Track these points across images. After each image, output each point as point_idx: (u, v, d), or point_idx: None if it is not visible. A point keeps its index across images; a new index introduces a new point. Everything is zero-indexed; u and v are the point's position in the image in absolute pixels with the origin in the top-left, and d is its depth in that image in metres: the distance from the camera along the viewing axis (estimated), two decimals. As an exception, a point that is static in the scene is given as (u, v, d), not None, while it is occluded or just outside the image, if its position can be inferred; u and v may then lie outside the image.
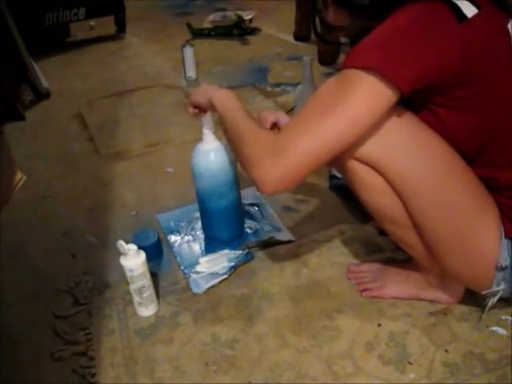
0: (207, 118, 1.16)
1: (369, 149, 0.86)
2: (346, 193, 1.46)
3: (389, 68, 0.76)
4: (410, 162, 0.86)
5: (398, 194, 0.89)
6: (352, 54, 0.80)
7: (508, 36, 0.83)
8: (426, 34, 0.77)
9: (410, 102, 0.86)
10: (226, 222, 1.30)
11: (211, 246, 1.30)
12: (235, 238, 1.31)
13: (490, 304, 0.96)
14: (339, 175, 1.47)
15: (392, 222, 0.95)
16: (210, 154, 1.19)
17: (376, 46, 0.78)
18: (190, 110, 1.14)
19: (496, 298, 0.95)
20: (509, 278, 0.90)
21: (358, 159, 0.89)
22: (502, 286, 0.91)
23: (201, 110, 1.13)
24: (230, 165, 1.20)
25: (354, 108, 0.79)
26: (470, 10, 0.77)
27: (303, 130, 0.80)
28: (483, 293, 0.95)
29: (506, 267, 0.89)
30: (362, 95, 0.78)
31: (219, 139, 1.20)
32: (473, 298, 1.04)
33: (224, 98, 1.00)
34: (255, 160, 0.83)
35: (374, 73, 0.76)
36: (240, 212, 1.33)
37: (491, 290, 0.93)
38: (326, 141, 0.80)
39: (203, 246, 1.31)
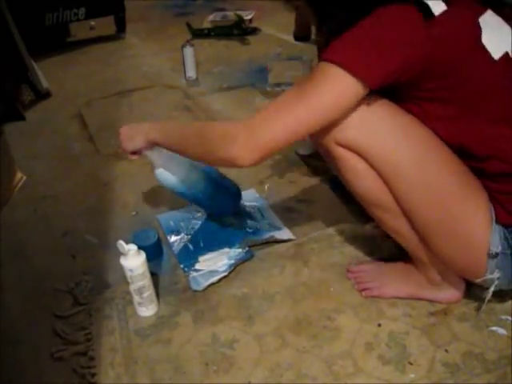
0: (150, 152, 1.17)
1: (352, 135, 0.90)
2: (346, 193, 1.46)
3: (356, 65, 0.82)
4: (392, 145, 0.90)
5: (383, 178, 0.92)
6: (327, 50, 0.86)
7: (478, 29, 0.86)
8: (392, 34, 0.83)
9: (391, 94, 0.90)
10: (213, 202, 1.33)
11: (209, 226, 1.36)
12: (233, 208, 1.39)
13: (489, 295, 0.96)
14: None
15: (379, 207, 0.97)
16: (167, 172, 1.22)
17: (347, 45, 0.84)
18: (133, 157, 1.18)
19: (492, 288, 0.94)
20: (502, 266, 0.90)
21: (342, 145, 0.92)
22: (497, 275, 0.91)
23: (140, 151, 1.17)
24: (186, 169, 1.24)
25: (319, 95, 0.85)
26: (438, 7, 0.83)
27: (276, 110, 0.89)
28: (478, 281, 0.95)
29: (497, 254, 0.89)
30: (328, 84, 0.85)
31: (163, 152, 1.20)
32: (473, 296, 1.04)
33: (159, 127, 1.09)
34: (229, 137, 0.90)
35: (344, 68, 0.82)
36: (220, 184, 1.34)
37: (485, 278, 0.93)
38: (295, 121, 0.87)
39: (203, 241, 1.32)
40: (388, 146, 0.90)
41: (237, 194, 1.38)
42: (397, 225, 0.98)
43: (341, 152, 0.93)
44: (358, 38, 0.84)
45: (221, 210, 1.39)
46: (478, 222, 0.90)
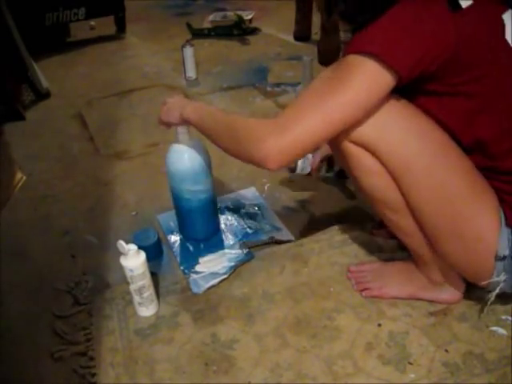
0: (181, 129, 1.17)
1: (363, 131, 0.89)
2: (346, 193, 1.46)
3: (388, 54, 0.81)
4: (403, 143, 0.89)
5: (392, 176, 0.91)
6: (353, 42, 0.84)
7: (501, 26, 0.87)
8: (421, 24, 0.81)
9: (407, 91, 0.89)
10: (200, 221, 1.30)
11: (186, 246, 1.31)
12: (211, 236, 1.32)
13: (492, 298, 0.95)
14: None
15: (387, 205, 0.96)
16: (184, 155, 1.20)
17: (376, 35, 0.82)
18: (164, 127, 1.18)
19: (496, 291, 0.94)
20: (509, 269, 0.90)
21: (352, 142, 0.91)
22: (503, 278, 0.91)
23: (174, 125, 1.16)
24: (203, 164, 1.21)
25: (354, 90, 0.83)
26: (465, 1, 0.83)
27: (306, 109, 0.85)
28: (483, 283, 0.94)
29: (505, 257, 0.88)
30: (362, 78, 0.83)
31: (193, 138, 1.20)
32: (473, 296, 1.04)
33: (196, 108, 1.05)
34: (259, 138, 0.86)
35: (374, 58, 0.81)
36: (215, 209, 1.34)
37: (491, 280, 0.92)
38: (327, 120, 0.84)
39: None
40: (400, 143, 0.89)
41: (216, 229, 1.35)
42: (403, 223, 0.97)
43: (353, 149, 0.92)
44: (386, 28, 0.82)
45: (195, 229, 1.32)
46: (486, 224, 0.89)
